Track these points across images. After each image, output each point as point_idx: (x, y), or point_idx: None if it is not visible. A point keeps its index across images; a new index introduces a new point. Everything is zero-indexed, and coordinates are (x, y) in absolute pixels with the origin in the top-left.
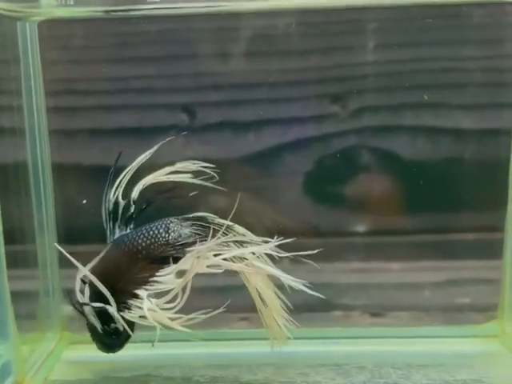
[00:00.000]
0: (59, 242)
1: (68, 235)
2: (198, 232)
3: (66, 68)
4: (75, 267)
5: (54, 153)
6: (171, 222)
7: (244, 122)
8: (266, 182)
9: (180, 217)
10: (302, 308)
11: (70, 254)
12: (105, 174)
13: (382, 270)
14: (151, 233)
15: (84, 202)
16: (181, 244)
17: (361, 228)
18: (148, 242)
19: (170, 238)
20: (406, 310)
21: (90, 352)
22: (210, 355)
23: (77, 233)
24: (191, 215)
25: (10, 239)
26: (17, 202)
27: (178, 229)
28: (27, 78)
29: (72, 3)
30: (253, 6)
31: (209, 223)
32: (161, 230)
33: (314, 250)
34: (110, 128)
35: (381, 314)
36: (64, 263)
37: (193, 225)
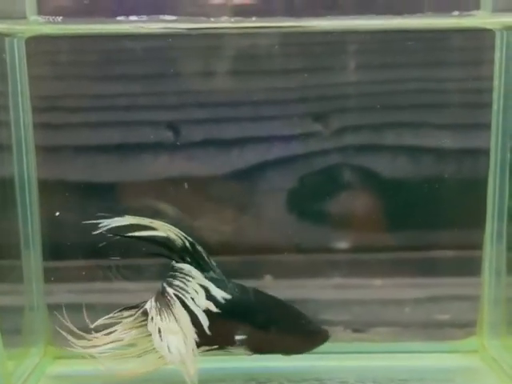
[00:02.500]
0: (44, 258)
1: (53, 251)
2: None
3: (52, 85)
4: (59, 282)
5: (40, 168)
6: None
7: (228, 139)
8: (249, 199)
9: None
10: None
11: (55, 269)
12: (89, 190)
13: (363, 287)
14: None
15: (57, 214)
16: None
17: (343, 245)
18: None
19: None
20: (388, 326)
21: (75, 366)
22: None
23: (62, 248)
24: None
25: None
26: (2, 216)
27: None
28: (14, 94)
29: (59, 20)
30: (238, 27)
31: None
32: None
33: (297, 266)
34: (95, 144)
35: (363, 329)
36: (49, 279)
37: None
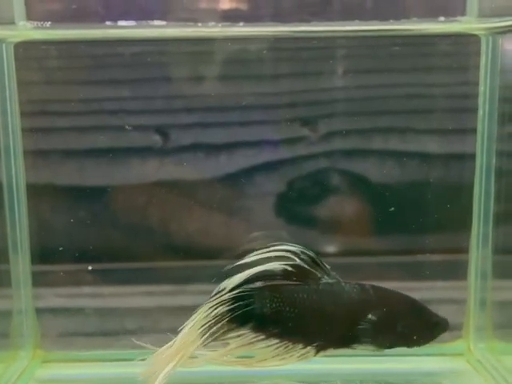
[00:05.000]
0: (33, 262)
1: (42, 255)
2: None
3: (40, 89)
4: (48, 286)
5: (29, 173)
6: None
7: (217, 144)
8: (238, 203)
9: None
10: None
11: (44, 273)
12: (78, 194)
13: None
14: None
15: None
16: None
17: (331, 249)
18: None
19: None
20: None
21: (63, 370)
22: (182, 374)
23: (51, 252)
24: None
25: None
26: None
27: None
28: (3, 98)
29: (48, 26)
30: (226, 33)
31: None
32: None
33: None
34: (83, 148)
35: None
36: (37, 283)
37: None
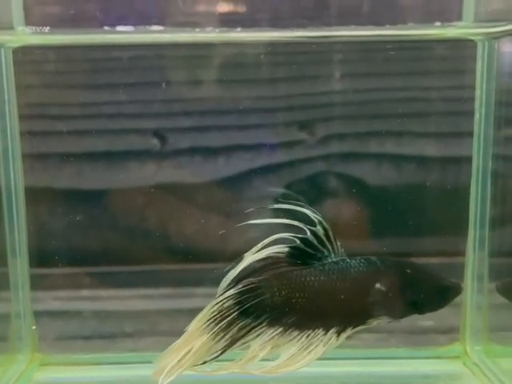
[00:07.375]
0: (31, 265)
1: (40, 258)
2: None
3: (39, 93)
4: (46, 289)
5: (27, 176)
6: None
7: (214, 147)
8: (236, 206)
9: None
10: None
11: (42, 276)
12: (76, 198)
13: None
14: None
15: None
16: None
17: None
18: None
19: None
20: (372, 332)
21: (61, 373)
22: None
23: (49, 256)
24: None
25: None
26: None
27: None
28: (2, 102)
29: (46, 31)
30: (224, 38)
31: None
32: None
33: None
34: (81, 152)
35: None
36: (35, 286)
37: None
